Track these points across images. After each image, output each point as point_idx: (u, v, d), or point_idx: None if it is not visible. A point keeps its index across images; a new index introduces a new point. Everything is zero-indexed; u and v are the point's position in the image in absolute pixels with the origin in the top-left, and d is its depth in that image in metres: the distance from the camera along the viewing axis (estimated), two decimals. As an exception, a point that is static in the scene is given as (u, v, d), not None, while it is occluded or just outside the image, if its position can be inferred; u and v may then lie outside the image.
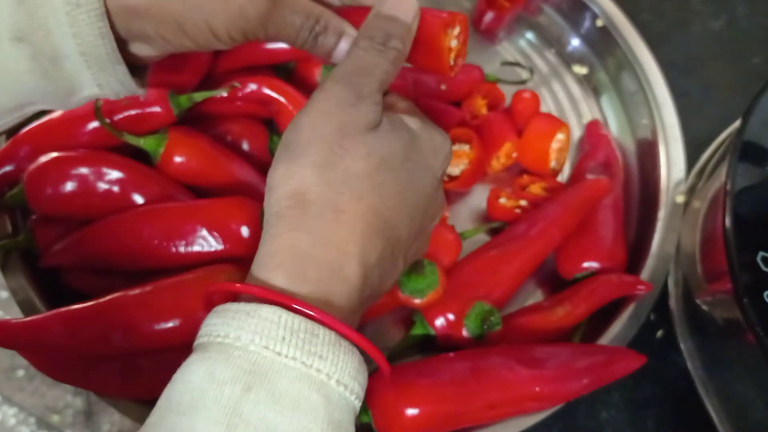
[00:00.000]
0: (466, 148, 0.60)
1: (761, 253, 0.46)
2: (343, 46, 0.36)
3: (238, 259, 0.46)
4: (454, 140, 0.60)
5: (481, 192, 0.62)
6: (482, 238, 0.59)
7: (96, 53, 0.32)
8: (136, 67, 0.36)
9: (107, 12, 0.31)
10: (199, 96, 0.54)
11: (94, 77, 0.33)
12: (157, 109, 0.52)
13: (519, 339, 0.51)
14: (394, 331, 0.56)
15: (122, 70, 0.33)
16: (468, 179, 0.60)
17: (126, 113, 0.51)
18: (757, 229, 0.48)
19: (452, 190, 0.60)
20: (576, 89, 0.70)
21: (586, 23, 0.70)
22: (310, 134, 0.32)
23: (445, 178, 0.59)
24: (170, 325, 0.42)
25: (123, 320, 0.42)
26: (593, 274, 0.54)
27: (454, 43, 0.37)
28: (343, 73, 0.33)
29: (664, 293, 0.55)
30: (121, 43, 0.34)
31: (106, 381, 0.44)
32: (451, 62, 0.37)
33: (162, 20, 0.32)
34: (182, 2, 0.32)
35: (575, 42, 0.72)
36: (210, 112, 0.58)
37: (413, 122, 0.35)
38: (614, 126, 0.67)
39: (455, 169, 0.59)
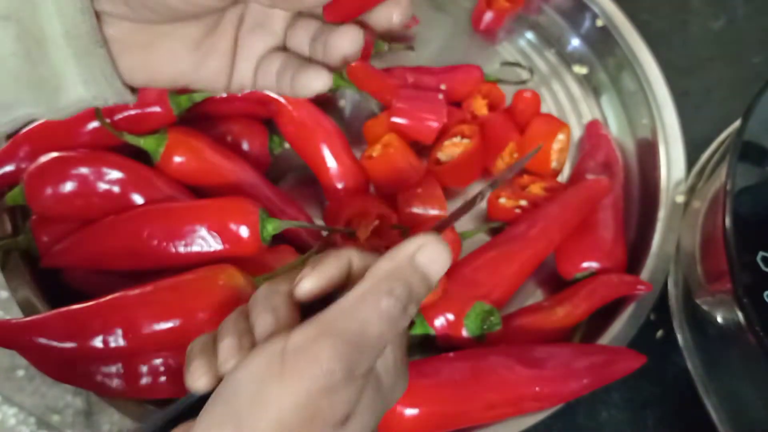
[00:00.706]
0: (465, 141, 0.60)
1: (761, 253, 0.46)
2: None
3: (238, 259, 0.46)
4: (456, 135, 0.60)
5: (481, 192, 0.62)
6: (482, 238, 0.59)
7: (77, 33, 0.31)
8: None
9: None
10: (199, 96, 0.54)
11: (79, 68, 0.31)
12: (157, 109, 0.52)
13: (519, 339, 0.51)
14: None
15: (105, 56, 0.32)
16: (466, 168, 0.60)
17: (126, 113, 0.52)
18: (757, 229, 0.48)
19: (452, 188, 0.60)
20: (576, 89, 0.70)
21: (586, 23, 0.70)
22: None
23: (441, 158, 0.59)
24: (170, 324, 0.42)
25: (123, 320, 0.42)
26: (593, 274, 0.54)
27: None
28: (332, 329, 0.28)
29: (664, 293, 0.55)
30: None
31: (106, 381, 0.44)
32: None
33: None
34: None
35: (575, 42, 0.72)
36: (210, 112, 0.58)
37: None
38: (614, 126, 0.68)
39: (449, 155, 0.59)
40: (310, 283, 0.30)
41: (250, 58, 0.35)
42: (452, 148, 0.59)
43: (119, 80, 0.33)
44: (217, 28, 0.34)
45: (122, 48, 0.33)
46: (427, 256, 0.31)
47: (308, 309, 0.30)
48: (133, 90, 0.35)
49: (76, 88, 0.32)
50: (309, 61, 0.35)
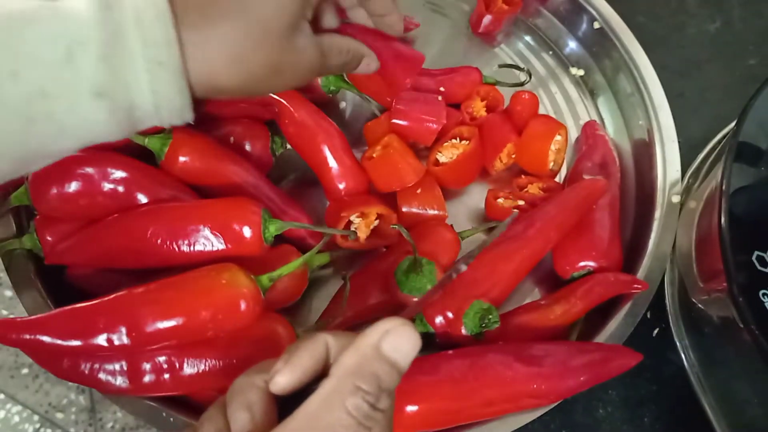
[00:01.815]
0: (464, 143, 0.60)
1: (756, 253, 0.46)
2: (363, 66, 0.43)
3: (241, 259, 0.46)
4: (455, 136, 0.61)
5: (479, 192, 0.63)
6: (481, 238, 0.60)
7: (171, 106, 0.34)
8: None
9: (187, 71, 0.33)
10: (201, 97, 0.54)
11: (162, 121, 0.35)
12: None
13: (517, 337, 0.51)
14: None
15: (189, 116, 0.35)
16: (464, 169, 0.61)
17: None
18: (752, 228, 0.48)
19: (450, 189, 0.61)
20: (573, 91, 0.71)
21: (583, 26, 0.71)
22: None
23: (440, 159, 0.60)
24: (173, 323, 0.42)
25: (126, 318, 0.42)
26: (590, 273, 0.55)
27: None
28: None
29: (660, 292, 0.55)
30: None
31: (110, 379, 0.44)
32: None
33: (240, 94, 0.36)
34: (258, 82, 0.36)
35: (572, 44, 0.73)
36: (213, 113, 0.58)
37: None
38: (611, 127, 0.68)
39: (448, 156, 0.60)
40: (284, 379, 0.30)
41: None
42: (451, 150, 0.60)
43: (192, 118, 0.36)
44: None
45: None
46: (393, 342, 0.29)
47: (286, 401, 0.30)
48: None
49: (153, 124, 0.35)
50: None
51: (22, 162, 0.33)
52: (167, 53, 0.32)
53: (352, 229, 0.54)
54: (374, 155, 0.57)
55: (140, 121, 0.34)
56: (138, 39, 0.31)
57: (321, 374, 0.30)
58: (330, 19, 0.43)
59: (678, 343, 0.54)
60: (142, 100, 0.33)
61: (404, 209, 0.57)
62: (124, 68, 0.32)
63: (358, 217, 0.54)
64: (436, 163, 0.60)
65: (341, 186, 0.57)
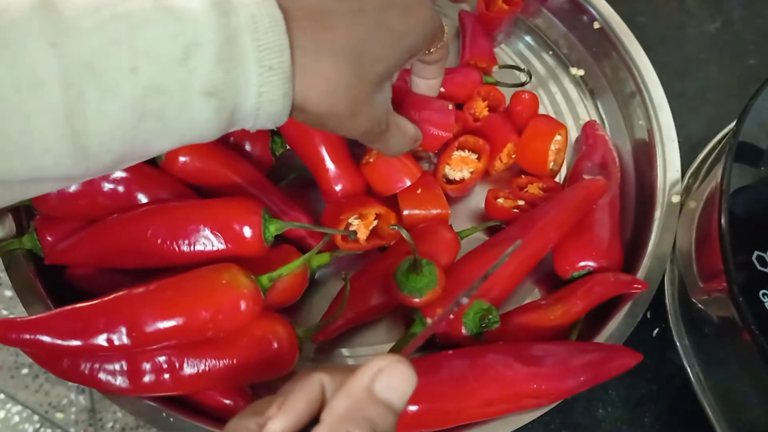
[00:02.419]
0: (474, 157, 0.60)
1: (756, 253, 0.46)
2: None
3: (241, 259, 0.46)
4: (463, 148, 0.61)
5: (479, 192, 0.63)
6: (481, 237, 0.60)
7: (272, 110, 0.36)
8: None
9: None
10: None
11: (255, 122, 0.36)
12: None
13: (517, 337, 0.51)
14: (394, 330, 0.56)
15: (283, 120, 0.37)
16: (469, 186, 0.61)
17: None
18: (752, 228, 0.48)
19: (451, 196, 0.61)
20: (573, 91, 0.71)
21: (583, 26, 0.71)
22: None
23: (453, 177, 0.60)
24: (173, 323, 0.42)
25: (126, 318, 0.42)
26: (590, 273, 0.55)
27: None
28: None
29: (660, 292, 0.55)
30: None
31: (110, 379, 0.44)
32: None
33: (315, 121, 0.39)
34: (333, 117, 0.38)
35: (572, 44, 0.73)
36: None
37: None
38: (611, 127, 0.68)
39: (459, 174, 0.60)
40: (278, 425, 0.28)
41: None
42: (461, 164, 0.60)
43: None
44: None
45: None
46: (387, 382, 0.28)
47: None
48: None
49: (247, 124, 0.37)
50: None
51: (121, 158, 0.34)
52: (279, 58, 0.34)
53: (351, 230, 0.54)
54: (371, 160, 0.57)
55: (238, 122, 0.36)
56: (252, 44, 0.33)
57: (317, 417, 0.28)
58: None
59: (678, 343, 0.54)
60: (247, 102, 0.35)
61: (406, 211, 0.57)
62: (237, 70, 0.33)
63: (356, 218, 0.54)
64: (446, 178, 0.60)
65: (338, 188, 0.57)
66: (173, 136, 0.34)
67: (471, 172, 0.60)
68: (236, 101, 0.34)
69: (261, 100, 0.35)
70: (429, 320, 0.35)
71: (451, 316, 0.33)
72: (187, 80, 0.32)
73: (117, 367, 0.44)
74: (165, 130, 0.33)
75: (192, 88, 0.33)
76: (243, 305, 0.43)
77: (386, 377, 0.28)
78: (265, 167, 0.59)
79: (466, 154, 0.60)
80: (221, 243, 0.47)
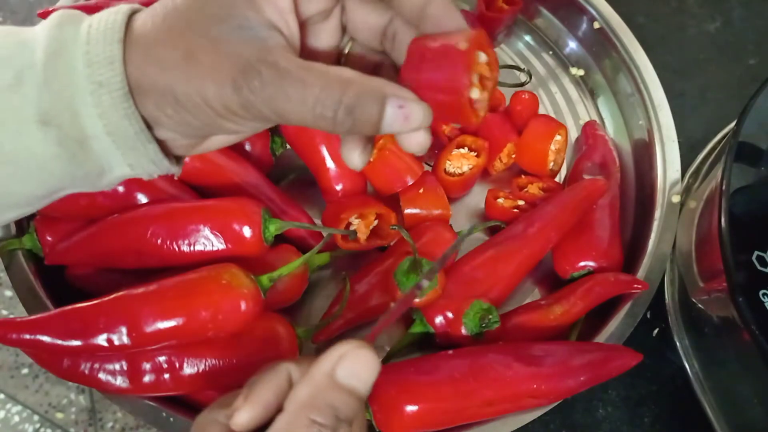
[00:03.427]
0: (473, 155, 0.60)
1: (756, 253, 0.46)
2: (390, 113, 0.28)
3: (241, 259, 0.46)
4: (460, 145, 0.61)
5: (479, 192, 0.63)
6: (481, 237, 0.60)
7: (123, 133, 0.29)
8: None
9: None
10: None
11: (124, 157, 0.30)
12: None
13: (517, 337, 0.51)
14: (394, 329, 0.56)
15: (153, 149, 0.30)
16: (469, 181, 0.61)
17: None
18: (752, 228, 0.48)
19: (452, 195, 0.61)
20: (573, 91, 0.71)
21: (583, 26, 0.71)
22: None
23: (453, 171, 0.60)
24: (173, 323, 0.42)
25: (127, 318, 0.42)
26: (590, 273, 0.55)
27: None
28: None
29: (660, 292, 0.55)
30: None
31: (110, 378, 0.44)
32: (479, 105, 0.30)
33: (160, 94, 0.29)
34: (176, 73, 0.28)
35: (572, 44, 0.73)
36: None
37: None
38: (611, 127, 0.68)
39: (459, 169, 0.60)
40: (244, 416, 0.28)
41: None
42: (461, 159, 0.60)
43: (166, 161, 0.32)
44: None
45: (173, 146, 0.32)
46: (349, 368, 0.28)
47: None
48: (179, 162, 0.34)
49: (122, 169, 0.31)
50: None
51: None
52: (109, 72, 0.28)
53: (352, 229, 0.54)
54: (371, 159, 0.57)
55: (104, 158, 0.30)
56: (82, 57, 0.28)
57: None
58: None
59: (678, 343, 0.54)
60: (94, 128, 0.29)
61: (407, 211, 0.57)
62: (68, 91, 0.28)
63: (356, 218, 0.54)
64: (446, 172, 0.60)
65: (338, 187, 0.57)
66: (27, 179, 0.30)
67: (471, 168, 0.60)
68: (81, 129, 0.29)
69: (107, 123, 0.29)
70: (393, 304, 0.35)
71: (417, 300, 0.32)
72: (20, 108, 0.28)
73: (117, 367, 0.44)
74: (12, 170, 0.29)
75: (26, 117, 0.28)
76: (243, 305, 0.43)
77: (348, 363, 0.28)
78: (265, 167, 0.59)
79: (465, 151, 0.60)
80: (221, 243, 0.47)
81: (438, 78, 0.28)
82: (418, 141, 0.31)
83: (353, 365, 0.28)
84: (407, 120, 0.28)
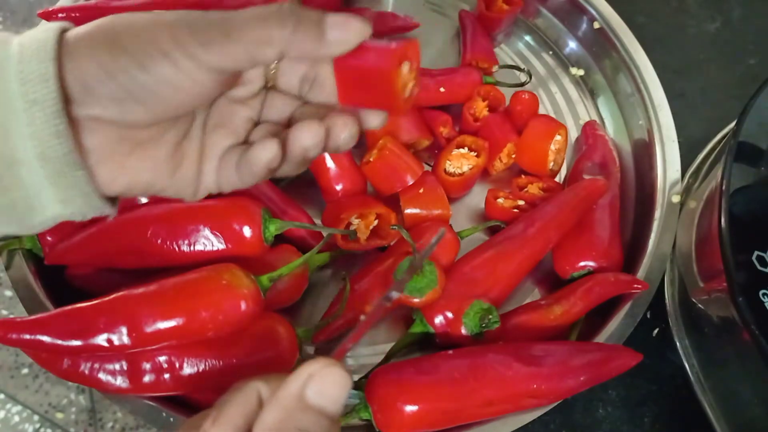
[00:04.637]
0: (473, 155, 0.60)
1: (756, 252, 0.46)
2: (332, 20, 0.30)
3: (241, 259, 0.46)
4: (460, 145, 0.61)
5: (479, 192, 0.63)
6: (481, 237, 0.60)
7: (53, 155, 0.29)
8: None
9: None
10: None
11: (55, 190, 0.30)
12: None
13: (517, 337, 0.51)
14: (394, 329, 0.56)
15: (83, 177, 0.30)
16: (470, 180, 0.61)
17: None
18: (752, 228, 0.48)
19: (452, 195, 0.61)
20: (573, 91, 0.71)
21: (583, 26, 0.71)
22: None
23: (453, 171, 0.60)
24: (173, 323, 0.42)
25: (127, 318, 0.42)
26: (590, 273, 0.55)
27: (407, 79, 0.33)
28: None
29: (660, 292, 0.55)
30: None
31: (110, 379, 0.44)
32: (406, 95, 0.33)
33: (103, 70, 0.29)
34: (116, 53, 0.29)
35: (572, 44, 0.73)
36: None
37: None
38: (611, 127, 0.68)
39: (459, 169, 0.60)
40: None
41: (213, 159, 0.35)
42: (460, 159, 0.60)
43: (98, 197, 0.32)
44: (189, 132, 0.34)
45: (102, 158, 0.31)
46: (318, 388, 0.27)
47: None
48: (113, 201, 0.34)
49: (53, 207, 0.30)
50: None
51: None
52: (43, 90, 0.28)
53: (352, 229, 0.54)
54: (371, 159, 0.57)
55: (32, 190, 0.29)
56: (16, 77, 0.28)
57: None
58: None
59: (678, 343, 0.54)
60: (24, 150, 0.28)
61: (407, 211, 0.57)
62: (2, 109, 0.28)
63: (357, 218, 0.54)
64: (446, 172, 0.60)
65: (338, 187, 0.57)
66: None
67: (471, 168, 0.60)
68: (12, 150, 0.28)
69: (37, 144, 0.28)
70: (363, 317, 0.34)
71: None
72: None
73: (117, 367, 0.44)
74: None
75: None
76: (243, 305, 0.43)
77: (317, 383, 0.27)
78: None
79: (465, 151, 0.60)
80: (221, 243, 0.47)
81: (371, 83, 0.32)
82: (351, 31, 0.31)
83: (323, 384, 0.27)
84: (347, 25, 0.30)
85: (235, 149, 0.35)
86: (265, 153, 0.33)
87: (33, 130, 0.28)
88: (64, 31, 0.30)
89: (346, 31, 0.30)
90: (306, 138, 0.33)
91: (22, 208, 0.30)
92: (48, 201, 0.30)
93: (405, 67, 0.32)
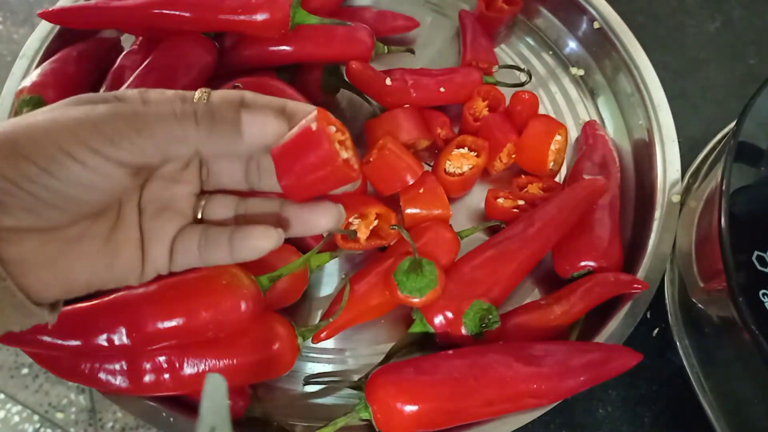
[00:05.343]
0: (473, 155, 0.60)
1: (756, 252, 0.46)
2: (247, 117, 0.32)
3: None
4: (460, 145, 0.61)
5: (479, 192, 0.63)
6: (481, 237, 0.60)
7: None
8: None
9: None
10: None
11: None
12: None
13: (517, 337, 0.51)
14: (394, 330, 0.56)
15: (6, 287, 0.29)
16: (470, 181, 0.61)
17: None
18: (752, 228, 0.48)
19: (452, 195, 0.61)
20: (573, 91, 0.71)
21: (583, 26, 0.71)
22: None
23: (453, 171, 0.60)
24: (174, 323, 0.42)
25: (127, 319, 0.42)
26: (590, 272, 0.55)
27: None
28: None
29: (660, 292, 0.55)
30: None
31: (110, 378, 0.44)
32: (344, 155, 0.33)
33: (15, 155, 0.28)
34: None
35: (572, 44, 0.73)
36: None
37: None
38: (611, 127, 0.68)
39: (459, 169, 0.60)
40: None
41: (163, 241, 0.35)
42: (460, 159, 0.60)
43: (31, 304, 0.31)
44: (120, 221, 0.34)
45: (28, 267, 0.30)
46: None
47: None
48: (53, 307, 0.33)
49: None
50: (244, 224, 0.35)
51: None
52: None
53: (352, 229, 0.54)
54: (371, 159, 0.57)
55: None
56: None
57: None
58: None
59: (678, 343, 0.54)
60: None
61: (407, 211, 0.57)
62: None
63: (357, 218, 0.54)
64: (446, 171, 0.60)
65: (340, 187, 0.57)
66: None
67: (471, 168, 0.60)
68: None
69: None
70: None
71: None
72: None
73: (117, 367, 0.44)
74: None
75: None
76: (243, 305, 0.43)
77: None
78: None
79: (465, 151, 0.60)
80: (221, 243, 0.47)
81: (310, 161, 0.32)
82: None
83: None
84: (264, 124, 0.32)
85: (190, 231, 0.35)
86: (266, 242, 0.34)
87: None
88: None
89: (262, 128, 0.31)
90: (264, 244, 0.34)
91: None
92: None
93: (332, 129, 0.33)
